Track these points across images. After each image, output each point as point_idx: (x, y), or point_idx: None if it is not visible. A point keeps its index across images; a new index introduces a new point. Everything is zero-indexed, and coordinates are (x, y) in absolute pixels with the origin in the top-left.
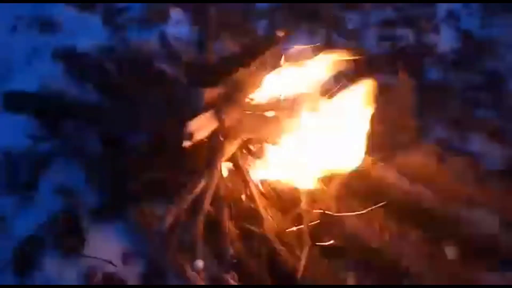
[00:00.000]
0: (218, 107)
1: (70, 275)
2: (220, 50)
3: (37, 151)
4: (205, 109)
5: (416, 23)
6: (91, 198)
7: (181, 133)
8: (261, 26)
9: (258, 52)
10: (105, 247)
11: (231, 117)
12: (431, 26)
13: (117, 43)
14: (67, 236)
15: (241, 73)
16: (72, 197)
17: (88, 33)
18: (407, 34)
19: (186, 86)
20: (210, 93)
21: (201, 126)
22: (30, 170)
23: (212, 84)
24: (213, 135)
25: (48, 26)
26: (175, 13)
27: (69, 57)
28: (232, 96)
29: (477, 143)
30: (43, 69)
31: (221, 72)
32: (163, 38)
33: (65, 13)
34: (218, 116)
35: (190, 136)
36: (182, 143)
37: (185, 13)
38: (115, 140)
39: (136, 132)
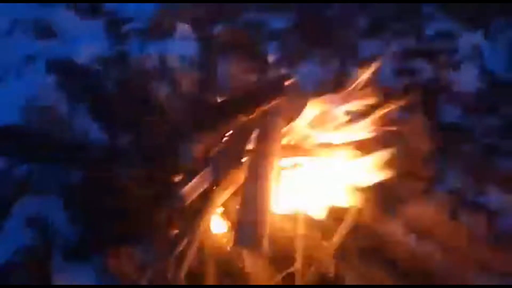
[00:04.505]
0: (214, 164)
1: None
2: (226, 74)
3: (12, 175)
4: (199, 160)
5: (436, 57)
6: (66, 235)
7: (173, 196)
8: (272, 48)
9: (264, 99)
10: None
11: (228, 172)
12: (452, 62)
13: (117, 56)
14: (33, 275)
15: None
16: (45, 231)
17: (88, 41)
18: (426, 68)
19: (177, 136)
20: (204, 141)
21: (195, 188)
22: (4, 195)
23: (210, 129)
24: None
25: (46, 31)
26: (182, 27)
27: (63, 69)
28: (232, 148)
29: (495, 197)
30: (35, 80)
31: (220, 117)
32: (162, 63)
33: (65, 18)
34: (215, 174)
35: (182, 199)
36: (173, 205)
37: (193, 28)
38: (100, 176)
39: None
